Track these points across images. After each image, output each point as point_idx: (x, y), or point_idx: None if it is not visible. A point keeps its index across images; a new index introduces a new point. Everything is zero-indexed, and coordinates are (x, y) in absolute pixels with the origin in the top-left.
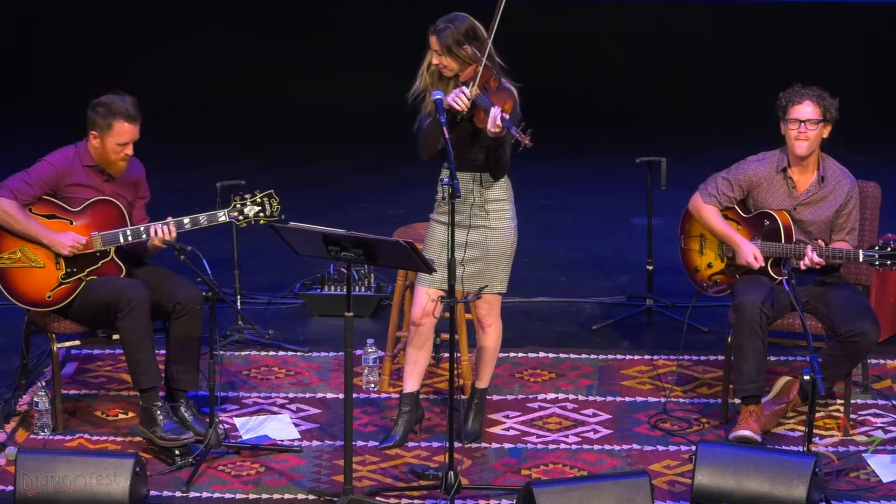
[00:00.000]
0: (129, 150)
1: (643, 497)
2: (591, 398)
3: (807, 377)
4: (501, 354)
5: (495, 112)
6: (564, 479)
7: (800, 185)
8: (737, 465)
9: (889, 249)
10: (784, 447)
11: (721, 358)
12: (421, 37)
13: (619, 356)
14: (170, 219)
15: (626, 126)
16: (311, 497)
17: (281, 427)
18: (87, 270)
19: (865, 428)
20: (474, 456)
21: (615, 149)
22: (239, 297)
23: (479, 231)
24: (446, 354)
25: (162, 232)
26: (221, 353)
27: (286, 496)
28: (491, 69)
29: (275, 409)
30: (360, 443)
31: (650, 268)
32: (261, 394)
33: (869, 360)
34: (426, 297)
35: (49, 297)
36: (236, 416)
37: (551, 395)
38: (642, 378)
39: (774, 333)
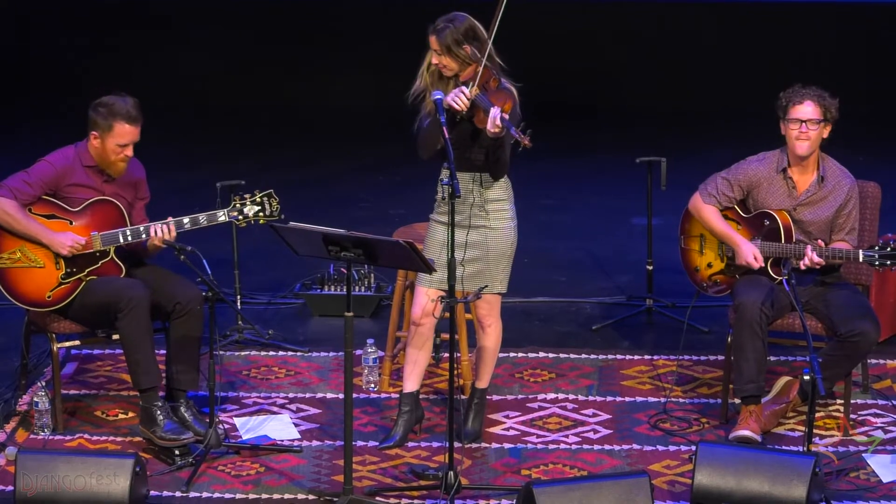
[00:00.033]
0: (129, 152)
1: (643, 497)
2: (591, 398)
3: (807, 377)
4: (501, 354)
5: (495, 112)
6: (564, 479)
7: (800, 185)
8: (737, 465)
9: (889, 249)
10: (784, 447)
11: (721, 358)
12: (421, 37)
13: (619, 356)
14: (170, 219)
15: (626, 126)
16: (311, 497)
17: (281, 427)
18: (86, 270)
19: (865, 428)
20: (474, 456)
21: (615, 149)
22: (239, 297)
23: (479, 231)
24: (446, 354)
25: (162, 232)
26: (221, 353)
27: (286, 496)
28: (491, 69)
29: (275, 409)
30: (360, 443)
31: (650, 268)
32: (261, 394)
33: (869, 360)
34: (426, 297)
35: (49, 297)
36: (236, 416)
37: (551, 395)
38: (642, 378)
39: (774, 333)
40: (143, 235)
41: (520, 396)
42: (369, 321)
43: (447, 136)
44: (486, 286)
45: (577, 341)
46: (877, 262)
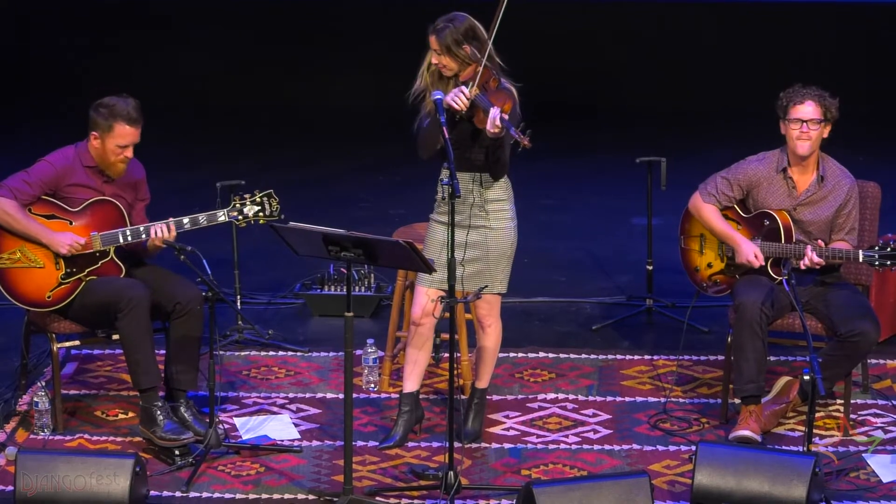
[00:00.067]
0: (129, 153)
1: (643, 497)
2: (591, 398)
3: (807, 377)
4: (501, 354)
5: (494, 112)
6: (564, 479)
7: (800, 185)
8: (737, 465)
9: (889, 249)
10: (784, 447)
11: (721, 358)
12: (421, 37)
13: (619, 356)
14: (170, 219)
15: (626, 126)
16: (311, 497)
17: (281, 427)
18: (86, 270)
19: (865, 428)
20: (474, 456)
21: (615, 149)
22: (239, 297)
23: (479, 231)
24: (446, 354)
25: (162, 232)
26: (221, 353)
27: (286, 496)
28: (490, 69)
29: (275, 409)
30: (360, 443)
31: (650, 268)
32: (261, 394)
33: (869, 360)
34: (426, 297)
35: (49, 297)
36: (236, 416)
37: (551, 395)
38: (642, 378)
39: (774, 333)
40: (143, 235)
41: (520, 396)
42: (369, 321)
43: (447, 136)
44: (486, 286)
45: (577, 341)
46: (877, 262)
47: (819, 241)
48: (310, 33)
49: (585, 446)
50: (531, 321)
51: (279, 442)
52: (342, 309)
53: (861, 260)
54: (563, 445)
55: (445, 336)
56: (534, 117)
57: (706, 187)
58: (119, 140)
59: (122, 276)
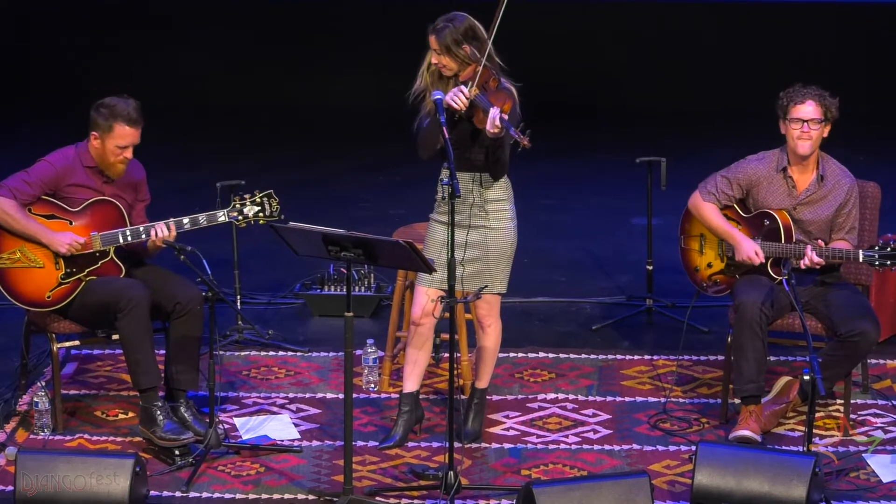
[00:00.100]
0: (129, 154)
1: (643, 497)
2: (590, 398)
3: (807, 377)
4: (501, 354)
5: (494, 112)
6: (564, 479)
7: (799, 185)
8: (737, 466)
9: (889, 249)
10: (784, 447)
11: (721, 358)
12: (421, 37)
13: (619, 356)
14: (170, 219)
15: (626, 126)
16: (311, 497)
17: (281, 427)
18: (86, 270)
19: (865, 428)
20: (474, 456)
21: (615, 149)
22: (239, 297)
23: (479, 231)
24: (446, 354)
25: (162, 232)
26: (221, 353)
27: (286, 496)
28: (490, 69)
29: (275, 409)
30: (360, 443)
31: (650, 268)
32: (261, 394)
33: (869, 360)
34: (426, 297)
35: (49, 297)
36: (236, 416)
37: (551, 395)
38: (642, 378)
39: (774, 333)
40: (143, 235)
41: (520, 396)
42: (369, 321)
43: (447, 136)
44: (486, 286)
45: (577, 341)
46: (877, 262)
47: (819, 240)
48: (310, 33)
49: (585, 446)
50: (531, 321)
51: (279, 442)
52: (342, 309)
53: (861, 260)
54: (563, 445)
55: (445, 336)
56: (534, 117)
57: (706, 186)
58: (119, 140)
59: (122, 276)
